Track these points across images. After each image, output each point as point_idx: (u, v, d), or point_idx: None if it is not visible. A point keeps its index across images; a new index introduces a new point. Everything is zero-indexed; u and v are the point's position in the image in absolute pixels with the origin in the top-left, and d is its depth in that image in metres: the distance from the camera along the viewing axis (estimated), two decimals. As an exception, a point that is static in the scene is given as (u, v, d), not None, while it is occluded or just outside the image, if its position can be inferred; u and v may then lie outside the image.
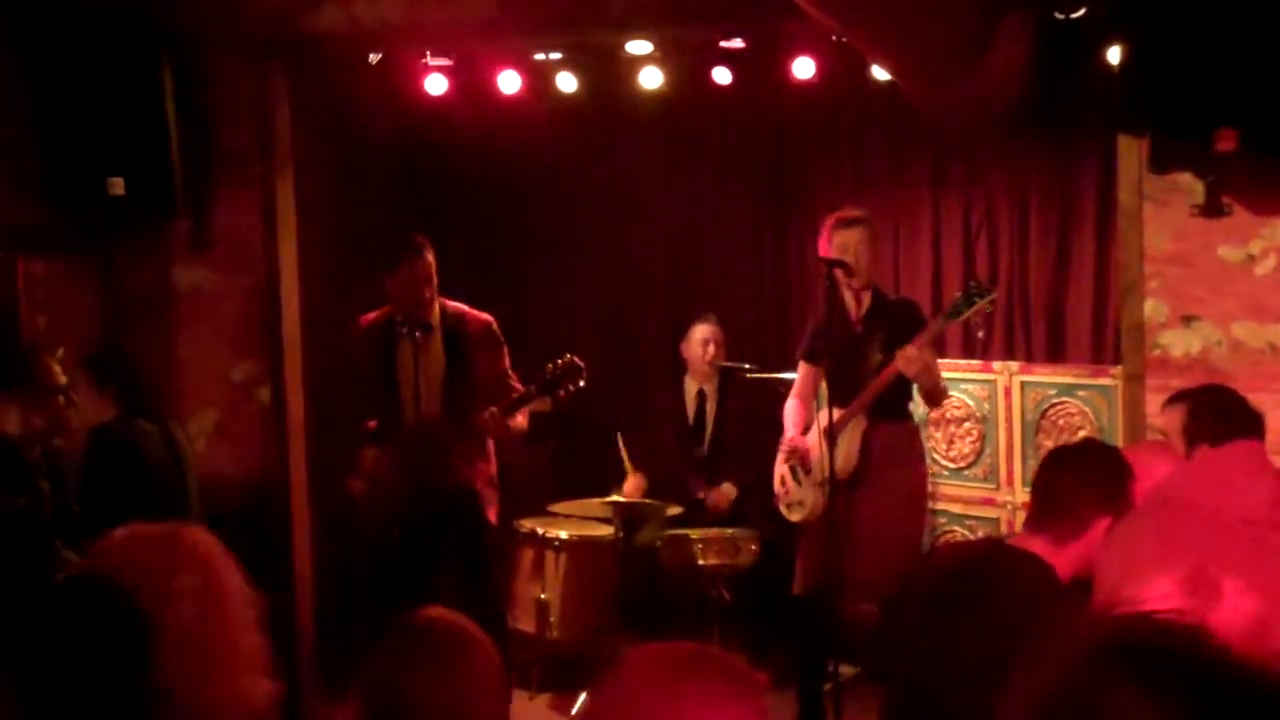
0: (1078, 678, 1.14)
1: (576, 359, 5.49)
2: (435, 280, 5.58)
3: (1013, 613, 2.83)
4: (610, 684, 1.86)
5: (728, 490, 6.42)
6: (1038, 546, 3.02)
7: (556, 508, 6.28)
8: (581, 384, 5.49)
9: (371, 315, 5.73)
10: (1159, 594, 1.73)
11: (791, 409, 5.68)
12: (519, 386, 5.65)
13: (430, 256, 5.55)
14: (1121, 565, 1.99)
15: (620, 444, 6.71)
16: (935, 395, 5.37)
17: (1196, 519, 2.05)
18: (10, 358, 4.91)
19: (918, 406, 5.65)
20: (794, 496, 5.55)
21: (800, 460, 5.50)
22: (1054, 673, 1.17)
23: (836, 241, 5.28)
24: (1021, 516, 6.34)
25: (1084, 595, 2.94)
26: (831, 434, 5.06)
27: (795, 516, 5.54)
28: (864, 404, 5.25)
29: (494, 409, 5.46)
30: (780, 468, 5.62)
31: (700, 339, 6.60)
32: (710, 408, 6.66)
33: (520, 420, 5.63)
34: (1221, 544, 1.85)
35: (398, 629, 2.26)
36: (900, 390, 5.32)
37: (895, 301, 5.59)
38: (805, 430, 5.60)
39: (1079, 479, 3.05)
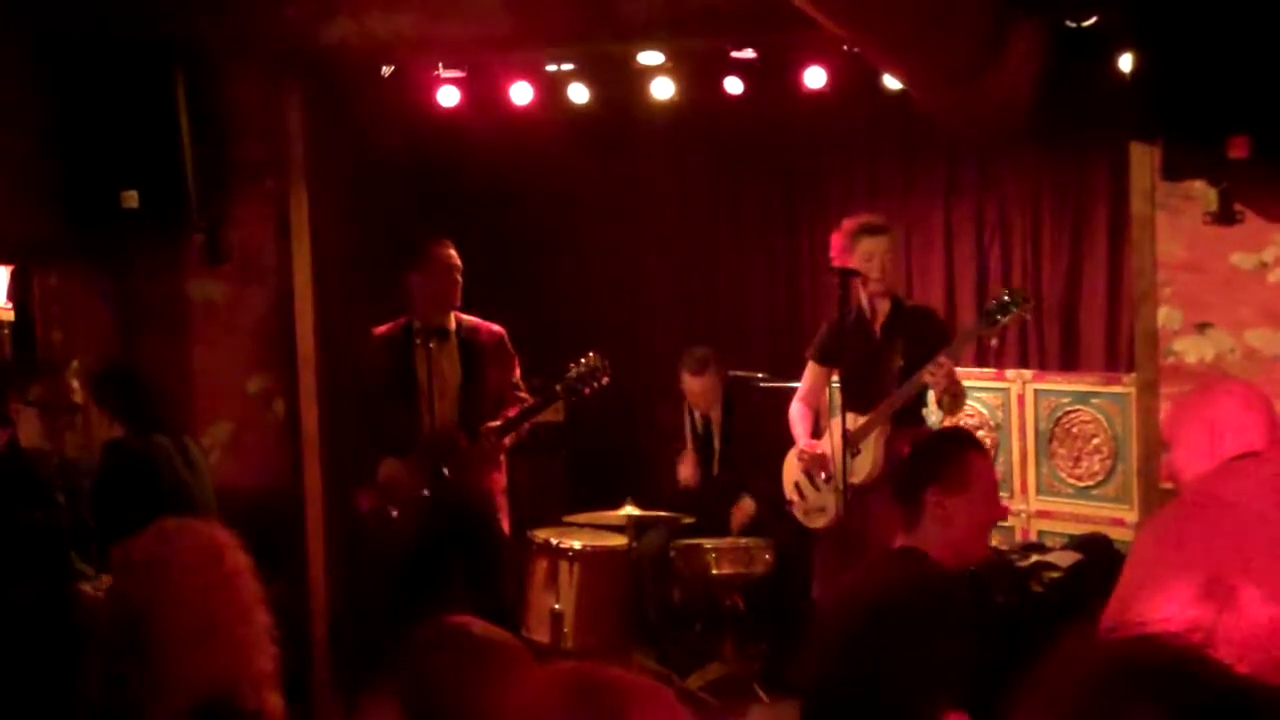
0: (1087, 700, 1.15)
1: (598, 357, 5.50)
2: (460, 280, 5.61)
3: (901, 613, 2.88)
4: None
5: (747, 506, 6.39)
6: (911, 540, 3.11)
7: (572, 518, 6.30)
8: (605, 381, 5.50)
9: (385, 327, 5.74)
10: (1177, 600, 1.73)
11: (798, 414, 5.67)
12: (527, 398, 5.68)
13: (458, 263, 5.59)
14: (1142, 573, 1.99)
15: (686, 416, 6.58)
16: (956, 402, 5.37)
17: (1219, 527, 2.05)
18: (29, 372, 4.95)
19: (931, 412, 5.65)
20: (814, 503, 5.54)
21: (821, 467, 5.49)
22: (1063, 696, 1.18)
23: (861, 249, 5.29)
24: (1035, 525, 6.35)
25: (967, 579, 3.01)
26: (845, 440, 5.06)
27: (818, 523, 5.54)
28: (889, 411, 5.25)
29: (491, 425, 5.49)
30: (795, 475, 5.62)
31: (687, 389, 6.54)
32: (716, 427, 6.63)
33: (505, 443, 5.64)
34: (1243, 551, 1.85)
35: (442, 631, 2.26)
36: (919, 396, 5.33)
37: (914, 309, 5.59)
38: (817, 436, 5.59)
39: (908, 464, 3.26)
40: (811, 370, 5.72)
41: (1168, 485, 3.48)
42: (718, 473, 6.58)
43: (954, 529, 3.08)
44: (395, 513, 5.53)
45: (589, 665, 1.77)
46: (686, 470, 6.44)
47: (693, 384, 6.52)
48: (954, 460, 3.14)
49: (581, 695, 1.71)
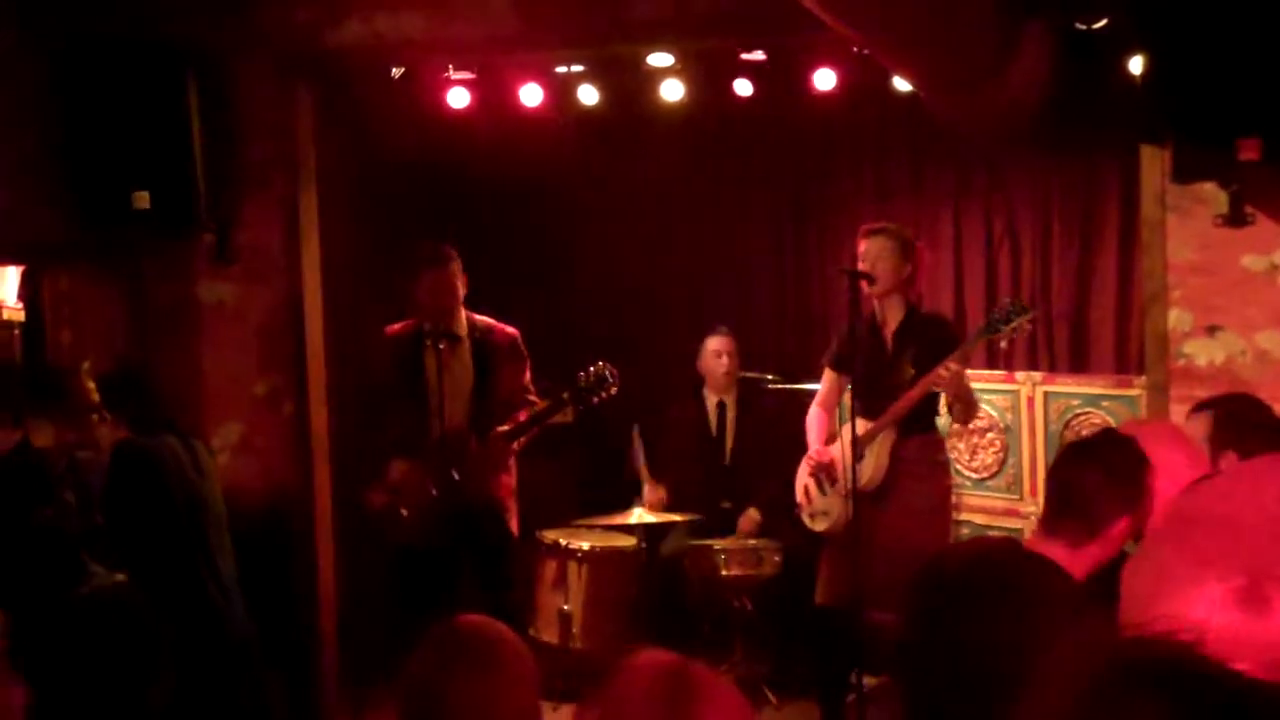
0: (1095, 696, 1.15)
1: (609, 366, 5.50)
2: (461, 291, 5.62)
3: (1025, 620, 2.75)
4: (611, 688, 1.87)
5: (753, 515, 6.42)
6: (1055, 551, 2.85)
7: (581, 523, 6.32)
8: (614, 391, 5.50)
9: (397, 326, 5.76)
10: (1202, 601, 1.72)
11: (815, 419, 5.68)
12: (537, 401, 5.68)
13: (455, 267, 5.59)
14: (1153, 583, 1.98)
15: (639, 451, 6.70)
16: (968, 411, 5.37)
17: (1230, 534, 2.04)
18: (45, 375, 4.96)
19: (941, 418, 5.64)
20: (818, 506, 5.54)
21: (827, 472, 5.50)
22: (1071, 690, 1.18)
23: (859, 251, 5.32)
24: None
25: (1099, 601, 2.88)
26: (856, 445, 5.06)
27: (820, 526, 5.54)
28: (894, 418, 5.25)
29: (502, 429, 5.50)
30: (804, 479, 5.62)
31: (713, 350, 6.61)
32: (730, 419, 6.66)
33: (515, 446, 5.66)
34: (1259, 558, 1.85)
35: (437, 632, 2.28)
36: (928, 403, 5.33)
37: (927, 316, 5.58)
38: (830, 441, 5.60)
39: (1100, 478, 2.90)
40: (827, 377, 5.73)
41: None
42: (728, 464, 6.59)
43: (1113, 549, 2.87)
44: (405, 512, 5.54)
45: (679, 658, 1.84)
46: (652, 497, 6.53)
47: (711, 342, 6.58)
48: (1145, 482, 2.92)
49: (665, 684, 1.77)
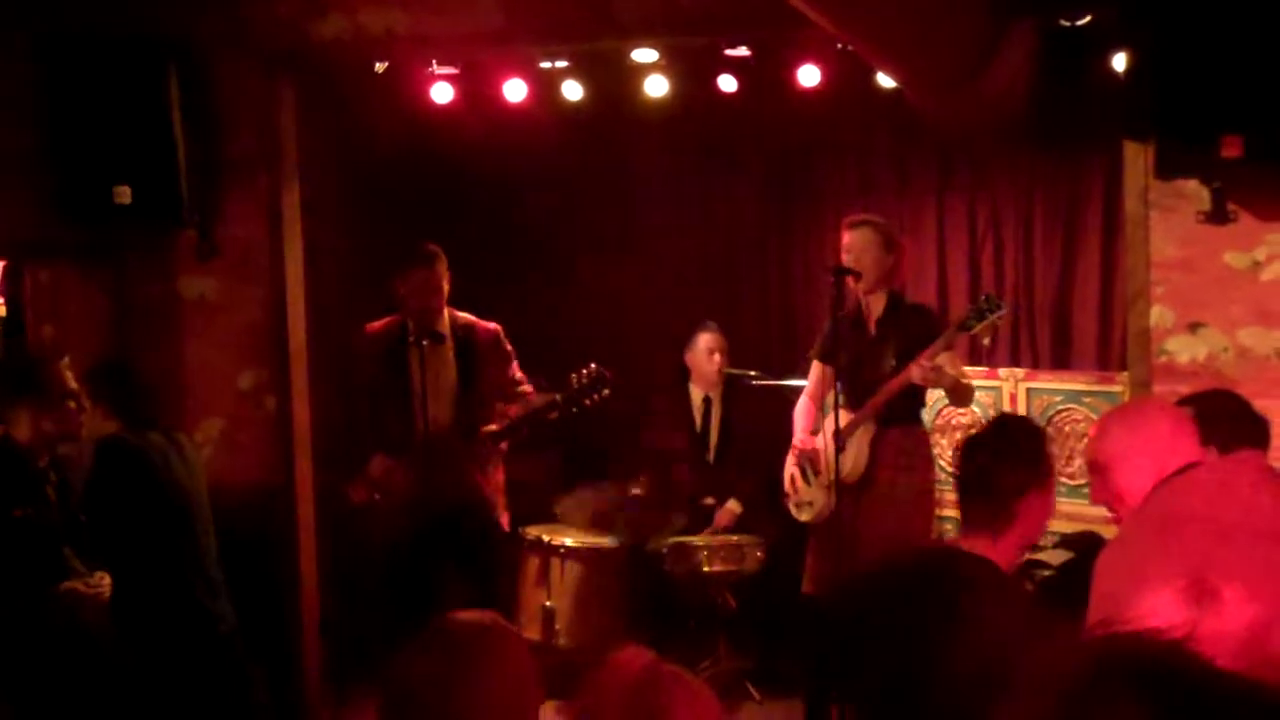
0: (1074, 697, 1.15)
1: (602, 368, 5.49)
2: (445, 290, 5.61)
3: (975, 625, 2.75)
4: (589, 686, 1.87)
5: (733, 507, 6.42)
6: (981, 546, 2.97)
7: (563, 504, 6.33)
8: (607, 394, 5.49)
9: (378, 324, 5.74)
10: (1158, 604, 1.73)
11: (802, 410, 5.71)
12: (530, 391, 5.68)
13: (441, 267, 5.58)
14: (1124, 580, 1.99)
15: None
16: (959, 396, 5.40)
17: (1200, 532, 2.05)
18: (21, 365, 4.92)
19: (928, 411, 5.65)
20: (804, 497, 5.56)
21: (810, 462, 5.52)
22: (1049, 692, 1.18)
23: (843, 243, 5.34)
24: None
25: (1059, 596, 2.93)
26: (839, 437, 5.07)
27: (804, 516, 5.56)
28: (873, 410, 5.27)
29: (489, 429, 5.49)
30: (790, 468, 5.64)
31: (706, 348, 6.60)
32: (716, 415, 6.66)
33: (502, 446, 5.65)
34: (1225, 555, 1.86)
35: (430, 629, 2.26)
36: (911, 395, 5.34)
37: (910, 307, 5.60)
38: (815, 431, 5.61)
39: (988, 458, 3.06)
40: (815, 368, 5.75)
41: (1099, 507, 3.43)
42: (712, 462, 6.59)
43: (1032, 527, 3.01)
44: (387, 509, 5.53)
45: (654, 659, 1.84)
46: (640, 489, 6.53)
47: (704, 339, 6.57)
48: (1045, 456, 3.06)
49: (638, 684, 1.77)
